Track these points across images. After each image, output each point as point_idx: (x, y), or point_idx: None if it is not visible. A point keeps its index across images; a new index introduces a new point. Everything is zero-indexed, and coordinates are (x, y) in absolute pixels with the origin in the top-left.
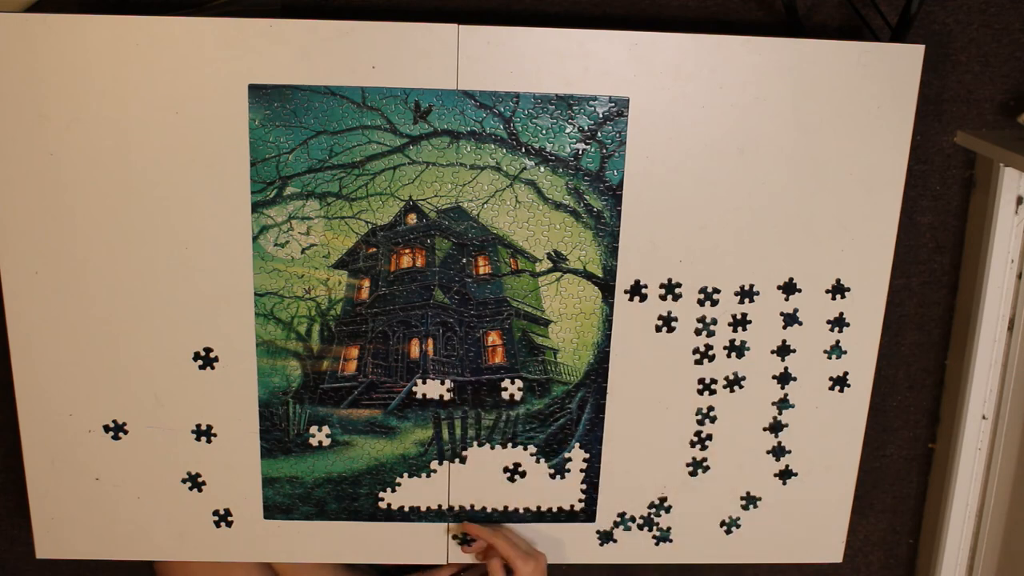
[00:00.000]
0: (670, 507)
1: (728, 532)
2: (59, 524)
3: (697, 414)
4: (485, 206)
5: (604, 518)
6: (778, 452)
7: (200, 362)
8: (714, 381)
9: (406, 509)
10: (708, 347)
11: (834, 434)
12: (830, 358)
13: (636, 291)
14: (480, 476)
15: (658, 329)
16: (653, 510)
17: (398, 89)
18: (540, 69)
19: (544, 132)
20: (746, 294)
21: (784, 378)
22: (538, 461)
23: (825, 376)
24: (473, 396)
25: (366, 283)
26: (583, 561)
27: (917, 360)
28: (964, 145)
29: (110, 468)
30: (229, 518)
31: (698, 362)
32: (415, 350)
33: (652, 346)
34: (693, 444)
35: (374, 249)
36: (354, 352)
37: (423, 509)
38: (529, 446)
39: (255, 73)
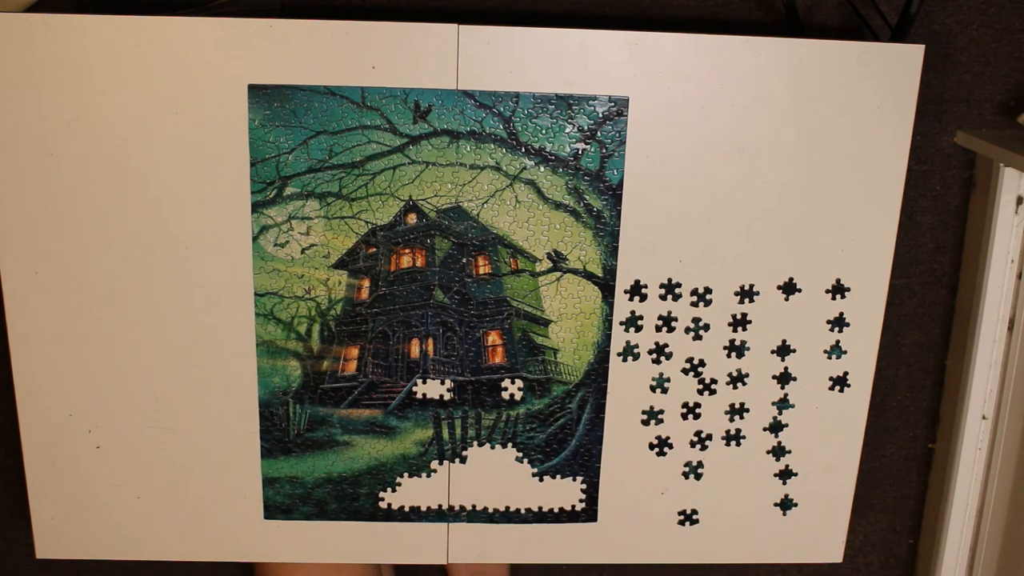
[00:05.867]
0: (671, 507)
1: (728, 532)
2: (59, 524)
3: (697, 415)
4: (485, 206)
5: (605, 517)
6: (778, 452)
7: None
8: (714, 381)
9: (406, 509)
10: (708, 347)
11: (834, 434)
12: (830, 358)
13: (636, 291)
14: (480, 476)
15: (658, 329)
16: (654, 510)
17: (398, 89)
18: (540, 69)
19: (544, 132)
20: (746, 294)
21: (784, 378)
22: (538, 461)
23: (825, 376)
24: (473, 396)
25: (366, 283)
26: (583, 561)
27: (917, 360)
28: (964, 145)
29: (110, 468)
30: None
31: (699, 362)
32: (415, 350)
33: (652, 346)
34: (693, 444)
35: (374, 249)
36: (354, 352)
37: (423, 509)
38: (529, 446)
39: (255, 73)
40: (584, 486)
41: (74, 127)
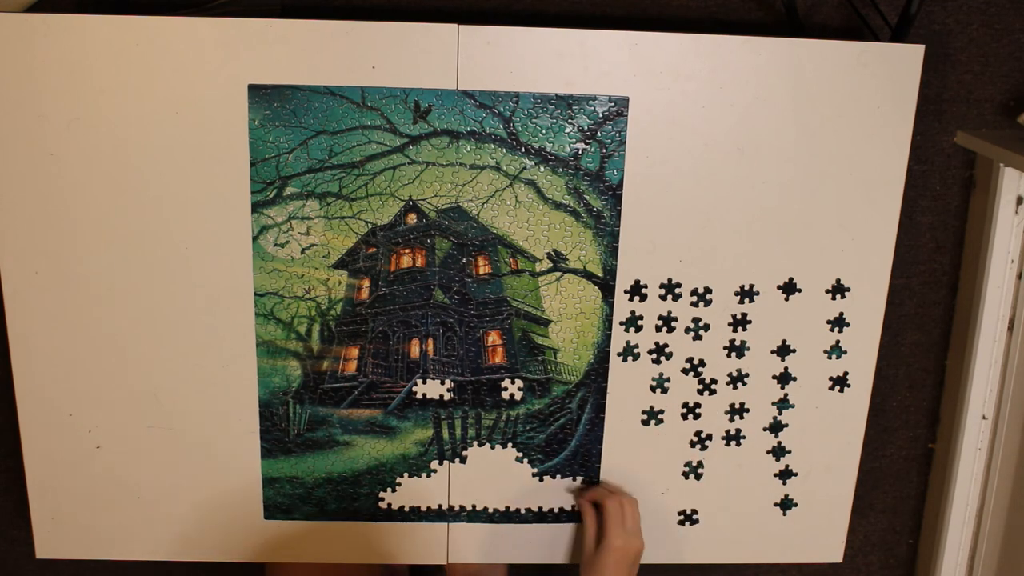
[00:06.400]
0: (671, 507)
1: (728, 532)
2: (59, 524)
3: (697, 415)
4: (485, 206)
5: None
6: (778, 452)
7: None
8: (714, 381)
9: (406, 509)
10: (708, 347)
11: (834, 434)
12: (830, 358)
13: (636, 291)
14: (480, 476)
15: (658, 329)
16: (653, 510)
17: (398, 89)
18: (540, 69)
19: (544, 132)
20: (746, 294)
21: (784, 378)
22: (538, 461)
23: (825, 376)
24: (473, 396)
25: (366, 283)
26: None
27: (917, 360)
28: (964, 145)
29: (110, 468)
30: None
31: (699, 362)
32: (415, 350)
33: (652, 346)
34: (693, 444)
35: (374, 249)
36: (354, 352)
37: (423, 509)
38: (529, 446)
39: (255, 73)
40: (584, 486)
41: (74, 127)
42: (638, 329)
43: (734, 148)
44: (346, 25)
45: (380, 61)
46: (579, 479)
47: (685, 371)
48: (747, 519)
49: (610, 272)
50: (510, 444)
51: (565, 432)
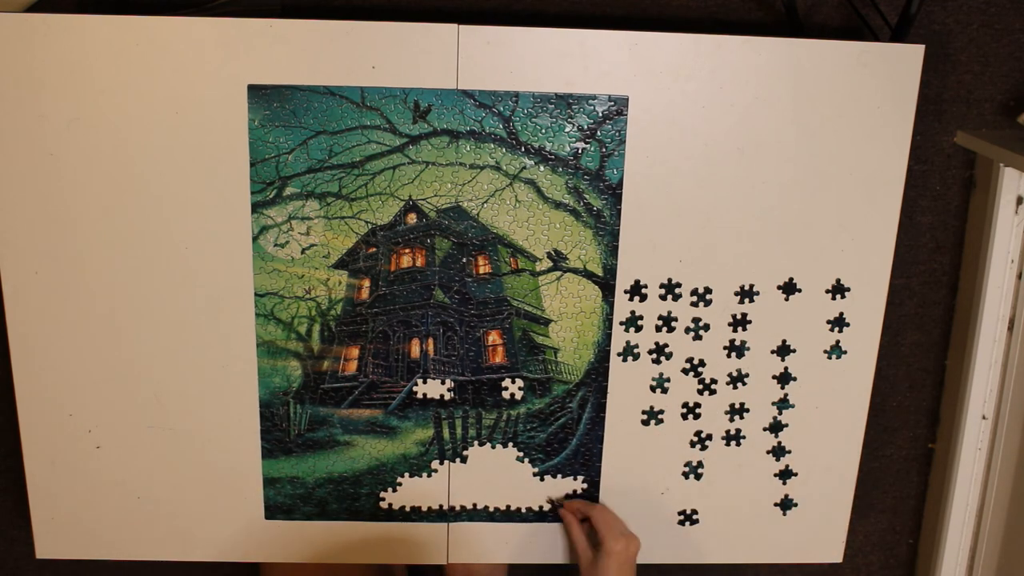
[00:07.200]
0: (671, 507)
1: (728, 532)
2: (59, 524)
3: (697, 415)
4: (485, 205)
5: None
6: (778, 452)
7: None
8: (714, 381)
9: (407, 509)
10: (708, 347)
11: (834, 434)
12: (830, 358)
13: (636, 291)
14: (481, 476)
15: (658, 329)
16: (653, 510)
17: (397, 89)
18: (540, 69)
19: (543, 131)
20: (746, 294)
21: (784, 378)
22: (539, 460)
23: (825, 376)
24: (474, 396)
25: (366, 283)
26: None
27: (917, 360)
28: (964, 145)
29: (110, 468)
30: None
31: (699, 362)
32: (415, 350)
33: (652, 346)
34: (693, 444)
35: (374, 249)
36: (354, 352)
37: (424, 509)
38: (530, 445)
39: (255, 73)
40: (585, 485)
41: (74, 127)
42: (638, 329)
43: (734, 148)
44: (346, 25)
45: (380, 61)
46: (580, 478)
47: (685, 371)
48: (747, 519)
49: (610, 271)
50: (511, 444)
51: (566, 432)
